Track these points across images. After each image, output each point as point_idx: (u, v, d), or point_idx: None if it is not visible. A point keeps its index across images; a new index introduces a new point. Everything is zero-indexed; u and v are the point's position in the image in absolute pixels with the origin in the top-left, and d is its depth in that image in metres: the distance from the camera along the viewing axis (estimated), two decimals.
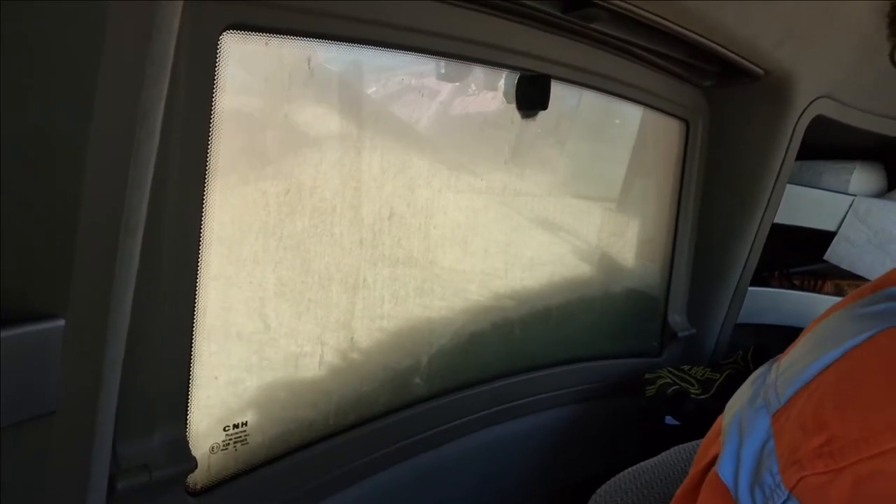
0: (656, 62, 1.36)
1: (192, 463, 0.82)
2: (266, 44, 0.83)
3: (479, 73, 1.14)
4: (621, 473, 0.94)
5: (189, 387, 0.84)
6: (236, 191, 0.84)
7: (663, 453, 0.98)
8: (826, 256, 1.78)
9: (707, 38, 1.18)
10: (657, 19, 1.08)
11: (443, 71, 1.08)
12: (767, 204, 1.56)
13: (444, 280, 1.16)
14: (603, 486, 0.92)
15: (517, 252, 1.30)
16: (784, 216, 1.65)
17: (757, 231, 1.59)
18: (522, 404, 1.36)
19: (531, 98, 1.18)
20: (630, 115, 1.48)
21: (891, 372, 0.44)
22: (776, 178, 1.53)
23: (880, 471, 0.40)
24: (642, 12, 1.05)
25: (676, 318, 1.70)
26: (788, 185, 1.60)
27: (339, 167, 0.96)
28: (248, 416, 0.93)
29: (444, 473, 1.25)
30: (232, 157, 0.82)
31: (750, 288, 1.71)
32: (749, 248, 1.62)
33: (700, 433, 0.97)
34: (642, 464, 0.95)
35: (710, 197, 1.64)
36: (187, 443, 0.84)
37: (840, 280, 1.93)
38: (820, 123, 1.48)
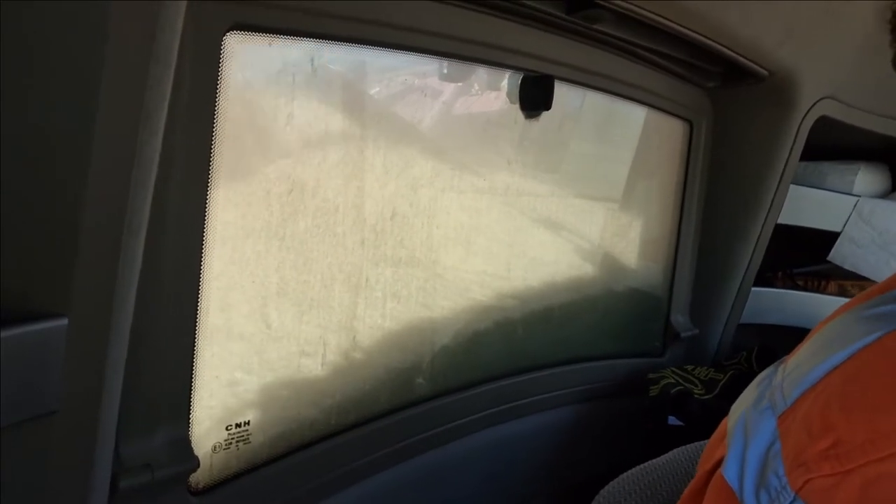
0: (660, 63, 1.36)
1: (194, 462, 0.82)
2: (269, 44, 0.83)
3: (482, 73, 1.14)
4: (625, 473, 0.93)
5: (191, 386, 0.84)
6: (239, 191, 0.84)
7: (667, 454, 0.97)
8: (830, 257, 1.78)
9: (711, 39, 1.18)
10: (660, 20, 1.07)
11: (446, 71, 1.08)
12: (771, 204, 1.56)
13: (446, 280, 1.16)
14: (607, 487, 0.92)
15: (520, 252, 1.30)
16: (788, 217, 1.65)
17: (760, 231, 1.59)
18: (525, 404, 1.36)
19: (534, 98, 1.18)
20: (633, 116, 1.48)
21: None
22: (780, 179, 1.53)
23: (888, 474, 0.39)
24: (646, 13, 1.04)
25: (679, 319, 1.69)
26: (792, 186, 1.60)
27: (342, 167, 0.96)
28: (250, 416, 0.93)
29: (448, 473, 1.25)
30: (235, 158, 0.82)
31: (753, 288, 1.71)
32: (752, 248, 1.61)
33: (704, 434, 0.97)
34: (646, 464, 0.95)
35: (714, 197, 1.64)
36: (189, 442, 0.84)
37: (844, 280, 1.92)
38: (824, 124, 1.47)
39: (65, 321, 0.54)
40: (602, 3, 1.01)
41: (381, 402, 1.10)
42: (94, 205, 0.52)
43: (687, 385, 1.51)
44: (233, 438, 0.91)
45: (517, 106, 1.19)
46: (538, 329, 1.38)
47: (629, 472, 0.94)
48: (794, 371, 0.51)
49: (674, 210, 1.63)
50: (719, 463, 0.53)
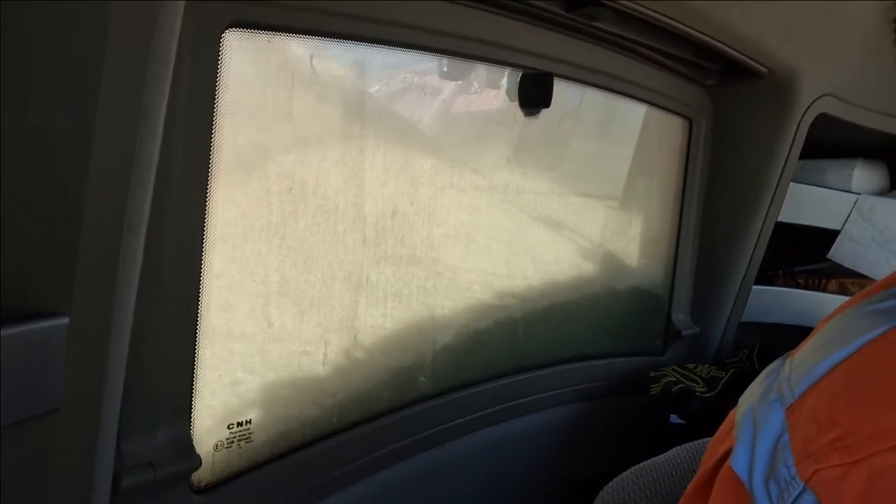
0: (660, 60, 1.36)
1: (196, 461, 0.82)
2: (268, 42, 0.83)
3: (481, 71, 1.14)
4: (627, 471, 0.93)
5: (193, 385, 0.84)
6: (239, 189, 0.85)
7: (670, 451, 0.97)
8: (830, 255, 1.78)
9: (711, 37, 1.18)
10: (660, 18, 1.07)
11: (445, 69, 1.08)
12: (771, 202, 1.56)
13: (447, 278, 1.16)
14: (609, 485, 0.92)
15: (520, 250, 1.30)
16: (788, 214, 1.65)
17: (761, 229, 1.59)
18: (526, 402, 1.36)
19: (534, 96, 1.18)
20: (633, 114, 1.48)
21: None
22: (780, 177, 1.53)
23: (894, 465, 0.40)
24: (645, 11, 1.05)
25: (680, 317, 1.69)
26: (792, 184, 1.60)
27: (342, 165, 0.96)
28: (252, 414, 0.93)
29: (449, 471, 1.25)
30: (234, 156, 0.82)
31: (754, 287, 1.71)
32: (753, 246, 1.61)
33: (705, 432, 0.97)
34: (648, 462, 0.95)
35: (714, 195, 1.64)
36: (191, 441, 0.84)
37: (844, 278, 1.92)
38: (823, 122, 1.48)
39: (65, 320, 0.54)
40: (602, 0, 1.01)
41: (382, 401, 1.10)
42: (94, 204, 0.52)
43: (688, 383, 1.51)
44: (234, 437, 0.91)
45: (517, 104, 1.19)
46: (539, 327, 1.38)
47: (631, 470, 0.94)
48: (801, 365, 0.52)
49: (674, 208, 1.64)
50: (725, 456, 0.53)
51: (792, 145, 1.48)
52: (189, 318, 0.81)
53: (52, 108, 0.48)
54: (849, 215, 1.74)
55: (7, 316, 0.50)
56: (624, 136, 1.49)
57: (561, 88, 1.20)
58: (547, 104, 1.18)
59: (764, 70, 1.34)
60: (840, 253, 1.76)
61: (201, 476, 0.88)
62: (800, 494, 0.43)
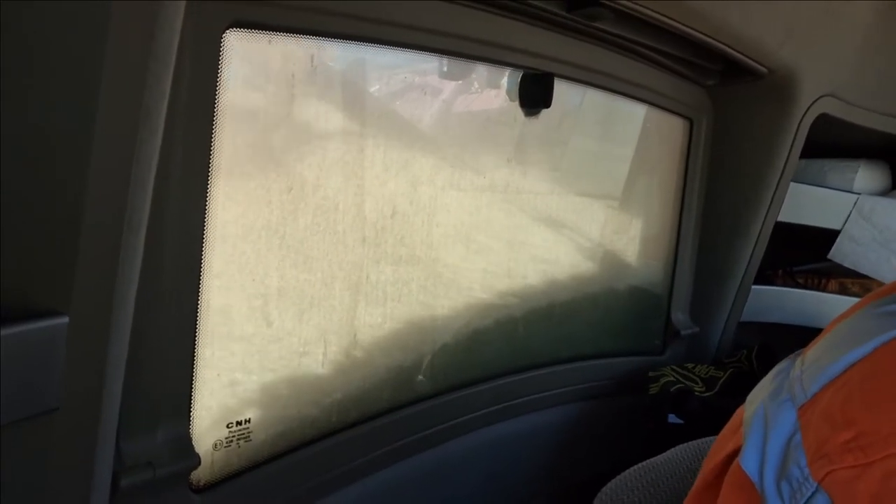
0: (660, 61, 1.36)
1: (195, 460, 0.82)
2: (269, 42, 0.83)
3: (482, 71, 1.13)
4: (627, 471, 0.94)
5: (192, 384, 0.84)
6: (239, 189, 0.84)
7: (669, 451, 0.97)
8: (830, 255, 1.78)
9: (711, 37, 1.18)
10: (661, 18, 1.07)
11: (446, 69, 1.08)
12: (771, 202, 1.56)
13: (447, 278, 1.16)
14: (608, 485, 0.92)
15: (520, 250, 1.30)
16: (788, 214, 1.65)
17: (761, 229, 1.59)
18: (526, 402, 1.36)
19: (534, 96, 1.18)
20: (633, 114, 1.47)
21: None
22: (780, 177, 1.53)
23: None
24: (646, 11, 1.04)
25: (680, 317, 1.70)
26: (792, 184, 1.60)
27: (342, 165, 0.96)
28: (252, 414, 0.93)
29: (449, 471, 1.25)
30: (235, 155, 0.82)
31: (754, 286, 1.71)
32: (753, 246, 1.61)
33: (704, 431, 0.98)
34: (647, 462, 0.95)
35: (714, 195, 1.64)
36: (191, 440, 0.84)
37: (844, 278, 1.92)
38: (824, 122, 1.47)
39: (65, 319, 0.54)
40: (602, 0, 1.01)
41: (381, 401, 1.10)
42: (94, 203, 0.52)
43: (687, 383, 1.52)
44: (234, 436, 0.91)
45: (517, 104, 1.19)
46: (538, 327, 1.38)
47: (630, 470, 0.94)
48: (813, 365, 0.52)
49: (674, 208, 1.64)
50: (732, 454, 0.53)
51: (792, 145, 1.48)
52: (188, 317, 0.81)
53: (52, 108, 0.48)
54: (849, 215, 1.74)
55: (7, 316, 0.50)
56: (624, 137, 1.49)
57: (561, 89, 1.20)
58: (547, 104, 1.18)
59: (764, 70, 1.34)
60: (841, 253, 1.76)
61: (200, 475, 0.88)
62: (812, 495, 0.43)
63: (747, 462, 0.50)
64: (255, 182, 0.86)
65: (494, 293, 1.27)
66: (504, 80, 1.17)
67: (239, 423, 0.92)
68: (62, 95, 0.48)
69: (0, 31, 0.43)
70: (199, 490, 0.87)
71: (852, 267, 1.76)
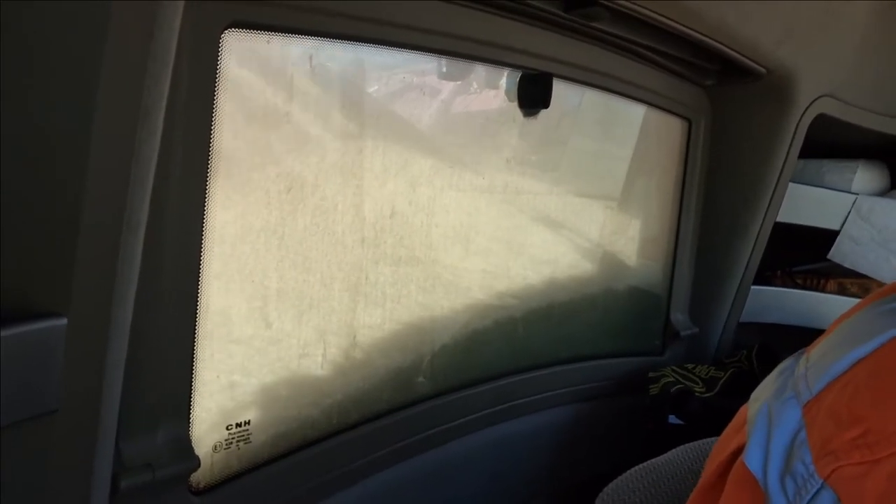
0: (658, 61, 1.36)
1: (195, 462, 0.82)
2: (268, 42, 0.83)
3: (480, 71, 1.14)
4: (627, 472, 0.93)
5: (191, 385, 0.84)
6: (238, 189, 0.84)
7: (671, 451, 0.97)
8: (830, 255, 1.78)
9: (709, 37, 1.18)
10: (659, 18, 1.08)
11: (444, 69, 1.08)
12: (770, 202, 1.56)
13: (446, 278, 1.16)
14: (609, 486, 0.92)
15: (519, 250, 1.30)
16: (787, 215, 1.65)
17: (759, 229, 1.59)
18: (526, 403, 1.36)
19: (533, 96, 1.18)
20: (632, 114, 1.48)
21: None
22: (779, 177, 1.53)
23: None
24: (644, 11, 1.05)
25: (679, 317, 1.70)
26: (791, 184, 1.60)
27: (341, 165, 0.96)
28: (251, 415, 0.93)
29: (450, 472, 1.25)
30: (234, 156, 0.82)
31: (753, 287, 1.71)
32: (752, 246, 1.61)
33: (704, 432, 0.98)
34: (648, 463, 0.95)
35: (713, 195, 1.64)
36: (190, 441, 0.84)
37: (843, 279, 1.92)
38: (822, 122, 1.48)
39: (64, 320, 0.54)
40: (600, 1, 1.01)
41: (381, 402, 1.10)
42: (93, 204, 0.52)
43: (687, 383, 1.51)
44: (233, 438, 0.91)
45: (516, 104, 1.19)
46: (538, 328, 1.38)
47: (631, 471, 0.94)
48: (818, 363, 0.52)
49: (673, 208, 1.64)
50: (736, 452, 0.53)
51: (791, 146, 1.49)
52: (188, 318, 0.81)
53: (52, 108, 0.48)
54: (847, 215, 1.74)
55: (6, 316, 0.50)
56: (623, 137, 1.49)
57: (560, 89, 1.20)
58: (546, 105, 1.18)
59: (762, 70, 1.34)
60: (840, 253, 1.76)
61: (200, 477, 0.88)
62: (818, 492, 0.43)
63: (751, 459, 0.50)
64: (254, 182, 0.86)
65: (494, 294, 1.27)
66: (503, 81, 1.17)
67: (239, 425, 0.91)
68: (62, 95, 0.48)
69: (0, 31, 0.43)
70: (199, 492, 0.87)
71: (851, 267, 1.76)
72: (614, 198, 1.52)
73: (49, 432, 0.57)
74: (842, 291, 1.93)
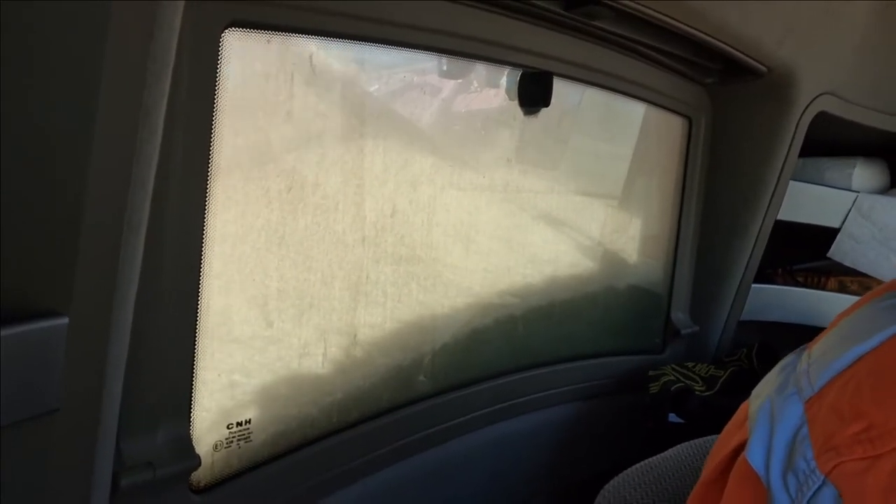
0: (659, 59, 1.36)
1: (195, 460, 0.82)
2: (268, 41, 0.83)
3: (481, 70, 1.13)
4: (627, 470, 0.93)
5: (192, 384, 0.84)
6: (239, 188, 0.84)
7: (671, 449, 0.97)
8: (830, 253, 1.78)
9: (710, 36, 1.18)
10: (660, 17, 1.07)
11: (445, 68, 1.08)
12: (770, 201, 1.56)
13: (446, 277, 1.16)
14: (609, 484, 0.92)
15: (520, 249, 1.30)
16: (787, 213, 1.65)
17: (760, 228, 1.59)
18: (526, 401, 1.36)
19: (533, 95, 1.18)
20: (632, 113, 1.48)
21: None
22: (779, 175, 1.53)
23: None
24: (645, 10, 1.04)
25: (679, 316, 1.70)
26: (791, 182, 1.60)
27: (342, 164, 0.96)
28: (252, 414, 0.93)
29: (450, 470, 1.25)
30: (234, 155, 0.82)
31: (753, 285, 1.71)
32: (752, 244, 1.61)
33: (705, 431, 0.98)
34: (648, 461, 0.95)
35: (714, 194, 1.64)
36: (191, 440, 0.84)
37: (844, 276, 1.93)
38: (823, 120, 1.48)
39: (65, 320, 0.54)
40: None
41: (381, 400, 1.10)
42: (94, 203, 0.52)
43: (688, 382, 1.52)
44: (234, 437, 0.91)
45: (516, 103, 1.19)
46: (538, 326, 1.38)
47: (631, 469, 0.94)
48: (820, 359, 0.52)
49: (673, 207, 1.64)
50: (738, 449, 0.53)
51: (791, 144, 1.48)
52: (189, 317, 0.81)
53: (52, 108, 0.48)
54: (848, 213, 1.74)
55: (7, 316, 0.50)
56: (623, 135, 1.49)
57: (560, 87, 1.20)
58: (547, 103, 1.18)
59: (763, 69, 1.34)
60: (840, 251, 1.76)
61: (200, 476, 0.88)
62: (819, 488, 0.43)
63: (753, 455, 0.50)
64: (255, 182, 0.86)
65: (494, 292, 1.27)
66: (503, 79, 1.17)
67: (239, 424, 0.92)
68: (62, 95, 0.48)
69: (0, 31, 0.43)
70: (199, 491, 0.87)
71: (852, 265, 1.76)
72: (615, 196, 1.51)
73: (49, 432, 0.58)
74: (842, 289, 1.93)
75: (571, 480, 1.54)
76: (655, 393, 1.53)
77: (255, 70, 0.83)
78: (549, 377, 1.40)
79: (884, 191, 1.82)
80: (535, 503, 1.50)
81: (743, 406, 0.59)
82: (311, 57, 0.88)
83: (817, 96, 1.43)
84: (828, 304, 1.84)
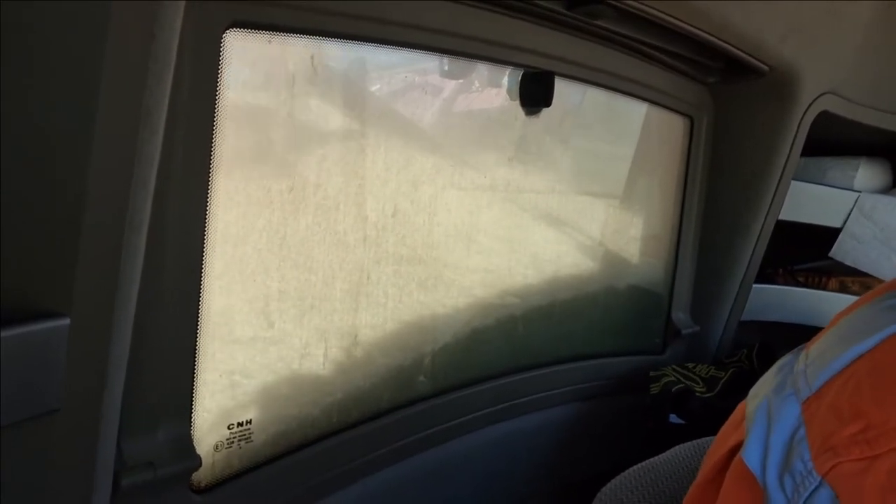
0: (660, 58, 1.35)
1: (196, 461, 0.82)
2: (269, 41, 0.83)
3: (482, 70, 1.13)
4: (627, 471, 0.93)
5: (193, 385, 0.84)
6: (240, 189, 0.84)
7: (670, 450, 0.97)
8: (832, 253, 1.78)
9: (712, 35, 1.18)
10: (661, 16, 1.07)
11: (446, 68, 1.08)
12: (772, 200, 1.56)
13: (447, 277, 1.16)
14: (608, 485, 0.92)
15: (521, 249, 1.30)
16: (789, 213, 1.65)
17: (761, 228, 1.59)
18: (526, 402, 1.36)
19: (535, 95, 1.18)
20: (634, 112, 1.47)
21: None
22: (781, 175, 1.53)
23: None
24: (646, 9, 1.04)
25: (680, 316, 1.69)
26: (793, 182, 1.60)
27: (343, 164, 0.96)
28: (252, 414, 0.93)
29: (450, 471, 1.25)
30: (235, 155, 0.82)
31: (754, 285, 1.71)
32: (753, 244, 1.61)
33: (705, 432, 0.97)
34: (648, 461, 0.95)
35: (715, 193, 1.64)
36: (192, 440, 0.84)
37: (845, 277, 1.92)
38: (825, 119, 1.47)
39: (66, 320, 0.54)
40: None
41: (382, 401, 1.10)
42: (95, 204, 0.52)
43: (688, 383, 1.51)
44: (234, 437, 0.91)
45: (518, 103, 1.18)
46: (539, 326, 1.38)
47: (631, 469, 0.94)
48: (818, 359, 0.52)
49: (674, 206, 1.63)
50: (735, 449, 0.53)
51: (793, 143, 1.48)
52: (190, 318, 0.81)
53: (53, 108, 0.47)
54: (850, 213, 1.74)
55: (7, 316, 0.50)
56: (625, 135, 1.49)
57: (562, 87, 1.20)
58: (548, 103, 1.18)
59: (765, 68, 1.34)
60: (842, 251, 1.76)
61: (201, 476, 0.88)
62: (816, 489, 0.43)
63: (750, 456, 0.50)
64: (256, 182, 0.86)
65: (495, 292, 1.27)
66: (504, 79, 1.17)
67: (240, 424, 0.92)
68: (62, 95, 0.48)
69: (0, 31, 0.43)
70: (200, 491, 0.87)
71: (853, 265, 1.76)
72: (616, 196, 1.51)
73: (50, 432, 0.58)
74: (843, 290, 1.93)
75: (572, 481, 1.54)
76: (656, 394, 1.53)
77: (256, 70, 0.83)
78: (550, 377, 1.40)
79: (886, 190, 1.81)
80: (535, 503, 1.50)
81: (740, 406, 0.59)
82: (312, 57, 0.88)
83: (819, 96, 1.43)
84: (829, 304, 1.84)
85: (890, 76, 1.50)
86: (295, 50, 0.86)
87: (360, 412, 1.07)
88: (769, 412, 0.51)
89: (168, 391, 0.81)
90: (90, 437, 0.62)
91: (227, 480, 0.90)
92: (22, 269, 0.50)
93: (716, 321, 1.71)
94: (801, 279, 1.98)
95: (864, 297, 0.57)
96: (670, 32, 1.17)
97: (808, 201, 1.73)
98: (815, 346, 0.55)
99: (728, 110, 1.57)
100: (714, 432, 0.65)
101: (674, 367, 1.58)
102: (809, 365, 0.52)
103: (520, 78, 1.17)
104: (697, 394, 1.49)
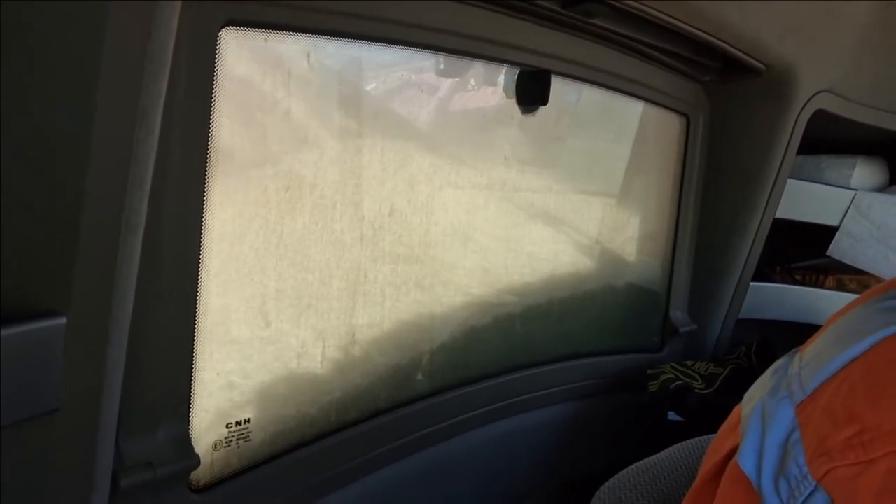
0: (657, 57, 1.36)
1: (195, 460, 0.82)
2: (265, 40, 0.83)
3: (478, 68, 1.13)
4: (625, 470, 0.93)
5: (191, 384, 0.84)
6: (237, 188, 0.84)
7: (668, 449, 0.97)
8: (829, 252, 1.78)
9: (708, 34, 1.18)
10: (658, 15, 1.07)
11: (442, 67, 1.08)
12: (769, 199, 1.56)
13: (445, 276, 1.16)
14: (607, 483, 0.92)
15: (518, 248, 1.30)
16: (786, 211, 1.65)
17: (758, 226, 1.59)
18: (524, 400, 1.36)
19: (531, 93, 1.18)
20: (630, 111, 1.48)
21: None
22: (777, 173, 1.53)
23: None
24: (643, 8, 1.04)
25: (678, 314, 1.70)
26: (790, 180, 1.60)
27: (339, 163, 0.96)
28: (251, 413, 0.93)
29: (448, 469, 1.25)
30: (232, 154, 0.82)
31: (752, 283, 1.71)
32: (751, 243, 1.61)
33: (704, 429, 0.98)
34: (646, 460, 0.95)
35: (712, 192, 1.64)
36: (190, 440, 0.84)
37: (842, 275, 1.93)
38: (821, 118, 1.47)
39: (64, 320, 0.54)
40: None
41: (380, 400, 1.10)
42: (92, 203, 0.52)
43: (687, 380, 1.52)
44: (233, 436, 0.91)
45: (514, 101, 1.19)
46: (537, 325, 1.38)
47: (629, 468, 0.94)
48: (812, 361, 0.51)
49: (671, 205, 1.64)
50: (731, 452, 0.53)
51: (789, 142, 1.48)
52: (187, 317, 0.81)
53: (52, 108, 0.48)
54: (846, 211, 1.74)
55: (6, 316, 0.50)
56: (621, 133, 1.49)
57: (558, 86, 1.20)
58: (544, 102, 1.18)
59: (761, 66, 1.34)
60: (839, 249, 1.76)
61: (200, 475, 0.88)
62: (811, 493, 0.43)
63: (745, 460, 0.50)
64: (253, 181, 0.86)
65: (492, 291, 1.27)
66: (501, 78, 1.17)
67: (238, 423, 0.92)
68: (61, 95, 0.48)
69: (0, 31, 0.43)
70: (199, 490, 0.87)
71: (851, 263, 1.76)
72: (613, 195, 1.52)
73: (49, 432, 0.58)
74: (841, 288, 1.93)
75: (570, 479, 1.54)
76: (654, 391, 1.53)
77: (252, 69, 0.83)
78: (548, 376, 1.40)
79: (882, 189, 1.82)
80: (534, 502, 1.50)
81: (736, 409, 0.59)
82: (308, 56, 0.88)
83: (816, 94, 1.43)
84: (826, 302, 1.84)
85: (887, 75, 1.50)
86: (291, 48, 0.86)
87: (358, 411, 1.07)
88: (764, 416, 0.51)
89: (166, 391, 0.81)
90: (89, 437, 0.62)
91: (226, 479, 0.90)
92: (20, 268, 0.50)
93: (713, 319, 1.71)
94: (798, 277, 1.98)
95: (859, 299, 0.57)
96: (667, 31, 1.17)
97: (805, 200, 1.73)
98: (810, 349, 0.55)
99: (724, 109, 1.57)
100: (713, 429, 0.65)
101: (672, 364, 1.58)
102: (804, 367, 0.52)
103: (516, 76, 1.17)
104: (696, 391, 1.49)
